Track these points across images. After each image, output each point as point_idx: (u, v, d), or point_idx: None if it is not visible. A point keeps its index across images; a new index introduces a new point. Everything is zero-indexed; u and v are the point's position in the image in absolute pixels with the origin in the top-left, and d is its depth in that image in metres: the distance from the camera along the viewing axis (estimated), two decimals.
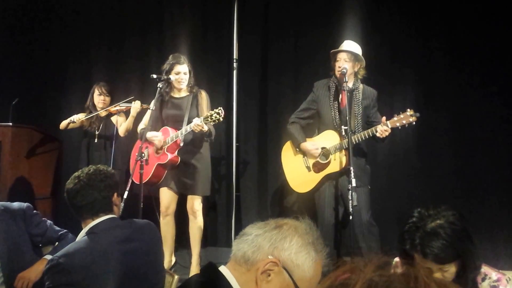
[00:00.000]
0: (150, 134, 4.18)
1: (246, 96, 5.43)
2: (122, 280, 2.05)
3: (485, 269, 1.89)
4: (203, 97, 4.30)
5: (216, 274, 1.42)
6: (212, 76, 5.42)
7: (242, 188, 5.41)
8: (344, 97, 3.97)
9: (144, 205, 3.88)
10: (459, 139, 4.73)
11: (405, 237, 1.80)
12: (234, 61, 5.36)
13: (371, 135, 3.77)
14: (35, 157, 4.77)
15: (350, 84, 3.89)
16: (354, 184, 3.41)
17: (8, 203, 2.82)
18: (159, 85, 4.07)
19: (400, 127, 3.71)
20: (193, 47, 5.37)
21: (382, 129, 3.71)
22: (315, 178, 4.05)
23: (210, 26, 5.55)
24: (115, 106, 4.82)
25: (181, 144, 4.16)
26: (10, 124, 4.62)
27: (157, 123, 4.32)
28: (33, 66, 5.97)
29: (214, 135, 4.22)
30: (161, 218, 4.31)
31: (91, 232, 2.11)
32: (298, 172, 4.12)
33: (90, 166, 2.27)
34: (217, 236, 5.43)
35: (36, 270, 2.63)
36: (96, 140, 4.92)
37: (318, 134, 4.15)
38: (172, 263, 4.49)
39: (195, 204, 4.27)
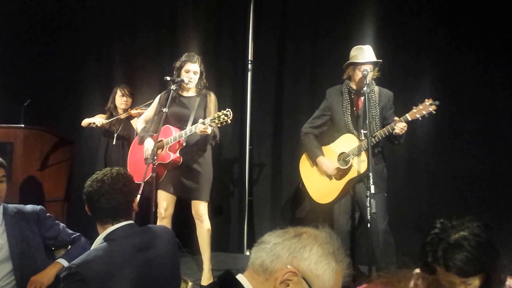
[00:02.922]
0: (147, 145, 4.13)
1: (260, 98, 5.41)
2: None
3: (510, 282, 1.83)
4: (212, 99, 4.24)
5: (233, 282, 1.40)
6: (226, 77, 5.42)
7: (255, 192, 5.39)
8: (359, 101, 3.95)
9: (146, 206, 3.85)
10: (486, 141, 4.62)
11: (427, 249, 1.75)
12: (249, 62, 5.35)
13: (390, 131, 3.71)
14: (47, 159, 4.77)
15: (364, 88, 3.85)
16: (372, 190, 3.36)
17: (21, 206, 2.82)
18: (172, 87, 4.03)
19: (420, 118, 3.65)
20: (207, 47, 5.38)
21: (401, 126, 3.67)
22: (337, 186, 3.97)
23: (225, 27, 5.53)
24: (136, 109, 4.88)
25: (184, 144, 4.10)
26: (22, 125, 4.62)
27: (159, 121, 4.20)
28: (45, 67, 6.00)
29: (219, 137, 4.16)
30: (158, 221, 4.23)
31: (110, 239, 2.08)
32: (319, 183, 4.05)
33: (110, 168, 2.23)
34: (229, 241, 5.40)
35: (48, 274, 2.62)
36: (114, 142, 4.96)
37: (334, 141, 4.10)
38: None
39: (201, 208, 4.20)
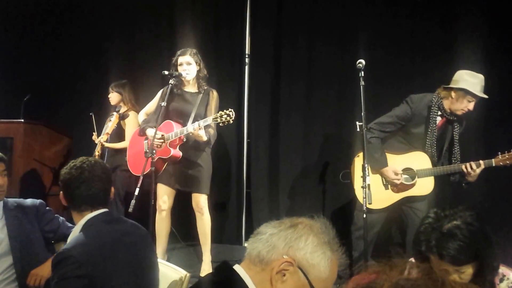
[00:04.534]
0: (150, 133, 4.11)
1: (258, 92, 5.41)
2: (128, 272, 2.06)
3: (503, 269, 1.86)
4: (214, 97, 4.25)
5: (230, 273, 1.41)
6: (224, 71, 5.41)
7: (253, 185, 5.40)
8: (441, 124, 3.83)
9: (155, 201, 3.86)
10: None
11: (421, 238, 1.76)
12: (246, 56, 5.35)
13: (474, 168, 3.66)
14: (46, 154, 4.78)
15: (457, 117, 3.77)
16: (368, 181, 3.34)
17: (21, 200, 2.83)
18: (171, 81, 4.04)
19: (502, 167, 3.63)
20: (205, 42, 5.35)
21: (474, 172, 3.64)
22: (391, 197, 3.85)
23: (223, 21, 5.53)
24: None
25: (184, 140, 4.11)
26: (22, 120, 4.63)
27: (161, 116, 4.23)
28: (45, 62, 5.99)
29: (214, 137, 4.17)
30: (157, 214, 4.26)
31: (91, 224, 2.10)
32: (372, 187, 3.69)
33: (86, 157, 2.23)
34: (227, 233, 5.43)
35: (48, 267, 2.60)
36: (108, 139, 4.98)
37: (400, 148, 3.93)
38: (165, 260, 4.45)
39: (201, 201, 4.23)
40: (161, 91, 4.36)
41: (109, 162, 4.85)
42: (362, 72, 3.59)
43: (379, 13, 4.91)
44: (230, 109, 3.80)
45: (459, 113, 3.71)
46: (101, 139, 4.73)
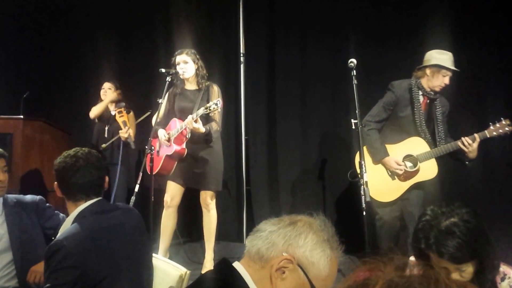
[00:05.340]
0: (160, 134, 4.20)
1: (253, 89, 5.45)
2: (122, 262, 2.07)
3: (504, 268, 1.84)
4: (215, 90, 4.28)
5: (230, 270, 1.41)
6: (220, 70, 5.41)
7: (252, 182, 5.42)
8: (424, 104, 3.88)
9: (155, 198, 3.87)
10: None
11: (419, 235, 1.75)
12: (241, 55, 5.37)
13: (459, 147, 3.71)
14: (46, 150, 4.78)
15: (437, 93, 3.84)
16: (365, 178, 3.34)
17: (20, 196, 2.83)
18: (168, 78, 4.06)
19: (496, 137, 3.68)
20: (199, 41, 5.35)
21: (468, 146, 3.67)
22: (401, 187, 3.87)
23: (217, 21, 5.57)
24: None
25: (188, 136, 4.12)
26: (21, 117, 4.63)
27: (169, 116, 4.34)
28: (44, 59, 6.00)
29: (217, 131, 4.19)
30: (163, 210, 4.31)
31: (84, 216, 2.09)
32: (379, 180, 3.88)
33: (80, 148, 2.21)
34: (228, 230, 5.42)
35: None
36: (106, 135, 5.00)
37: (393, 138, 3.98)
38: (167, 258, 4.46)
39: (208, 198, 4.26)
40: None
41: (122, 155, 4.85)
42: (354, 71, 3.61)
43: (367, 11, 4.96)
44: (217, 99, 3.89)
45: (437, 89, 3.79)
46: (130, 132, 4.73)
